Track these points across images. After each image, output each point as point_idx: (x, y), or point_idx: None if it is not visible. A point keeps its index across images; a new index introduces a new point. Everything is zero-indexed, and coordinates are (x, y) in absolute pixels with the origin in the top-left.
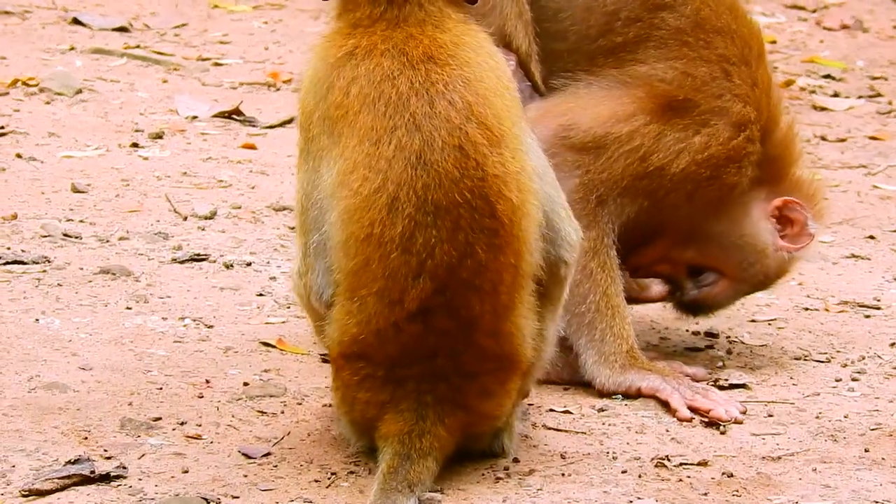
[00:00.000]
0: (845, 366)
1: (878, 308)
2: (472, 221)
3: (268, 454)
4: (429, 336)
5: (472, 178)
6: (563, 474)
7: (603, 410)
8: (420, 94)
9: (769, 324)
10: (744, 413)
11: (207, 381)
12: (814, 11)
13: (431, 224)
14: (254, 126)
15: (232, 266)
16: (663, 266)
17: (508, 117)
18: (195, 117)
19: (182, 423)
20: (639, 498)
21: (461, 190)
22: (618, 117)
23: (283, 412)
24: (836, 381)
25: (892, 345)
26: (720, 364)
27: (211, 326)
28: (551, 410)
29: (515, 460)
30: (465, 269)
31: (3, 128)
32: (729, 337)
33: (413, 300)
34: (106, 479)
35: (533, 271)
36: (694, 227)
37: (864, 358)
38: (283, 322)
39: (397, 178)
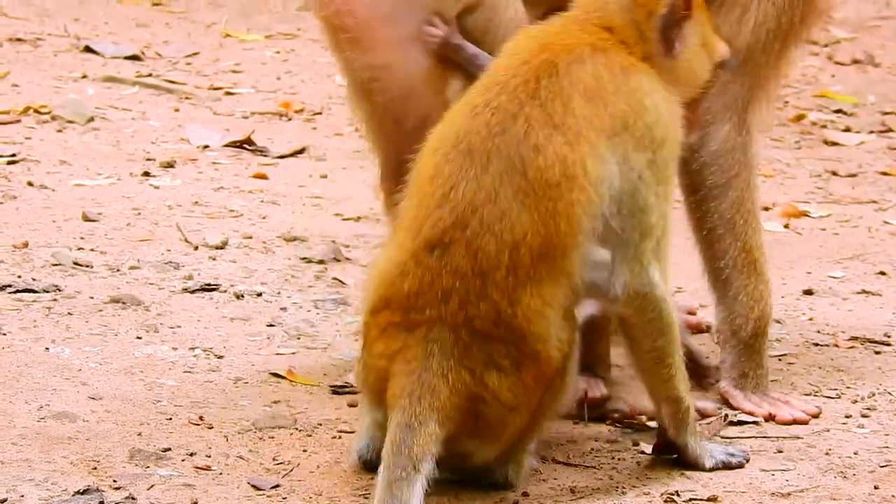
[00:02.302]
0: (855, 402)
1: (889, 344)
2: (501, 171)
3: (277, 486)
4: (444, 274)
5: (514, 135)
6: None
7: (613, 442)
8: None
9: (779, 359)
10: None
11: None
12: (825, 46)
13: (461, 160)
14: (265, 156)
15: (242, 296)
16: None
17: (593, 128)
18: (207, 146)
19: (191, 454)
20: None
21: (497, 144)
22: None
23: (292, 444)
24: (846, 417)
25: None
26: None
27: (221, 357)
28: (560, 444)
29: (525, 494)
30: (488, 212)
31: (14, 155)
32: None
33: (432, 228)
34: None
35: (570, 267)
36: None
37: (874, 394)
38: (294, 353)
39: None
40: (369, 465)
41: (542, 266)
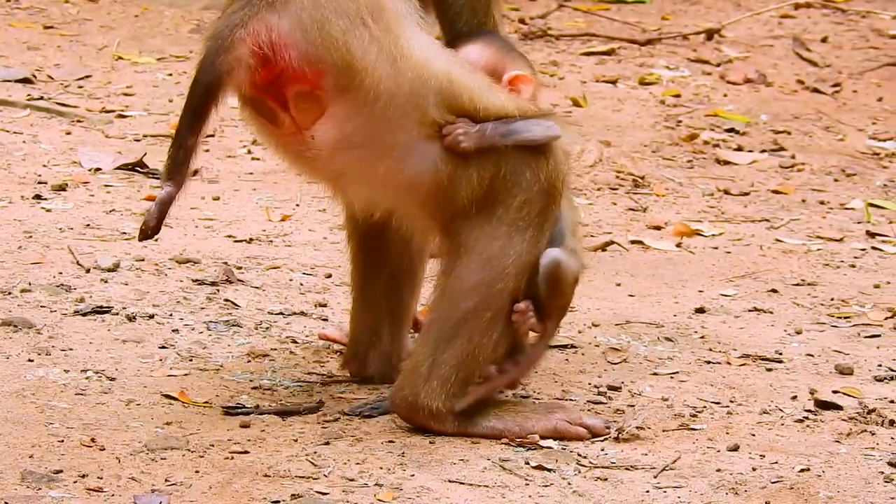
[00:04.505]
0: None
1: (780, 361)
2: None
3: None
4: None
5: None
6: None
7: (505, 461)
8: None
9: (671, 377)
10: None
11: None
12: (718, 65)
13: None
14: (157, 178)
15: (134, 318)
16: None
17: None
18: (98, 169)
19: (83, 476)
20: None
21: None
22: None
23: (184, 465)
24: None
25: (794, 398)
26: (622, 417)
27: (113, 379)
28: (453, 463)
29: None
30: None
31: None
32: (631, 390)
33: None
34: None
35: None
36: None
37: (765, 411)
38: (186, 374)
39: None
40: None
41: None
